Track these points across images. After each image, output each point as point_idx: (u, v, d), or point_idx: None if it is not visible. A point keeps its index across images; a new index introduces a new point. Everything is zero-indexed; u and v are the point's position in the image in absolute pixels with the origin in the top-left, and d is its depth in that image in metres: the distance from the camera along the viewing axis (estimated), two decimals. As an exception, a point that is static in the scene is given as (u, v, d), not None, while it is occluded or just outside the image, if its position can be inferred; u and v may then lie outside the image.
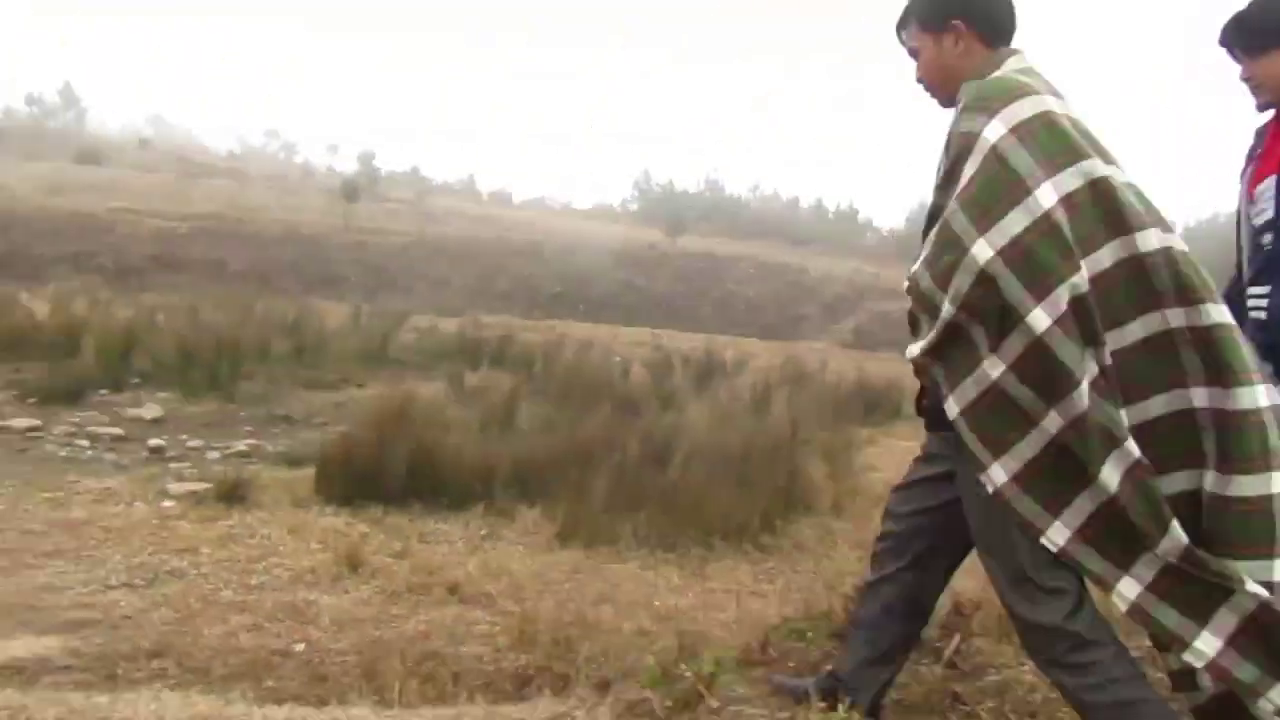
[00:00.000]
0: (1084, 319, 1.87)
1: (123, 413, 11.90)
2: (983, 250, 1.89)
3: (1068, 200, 1.91)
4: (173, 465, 9.38)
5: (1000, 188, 1.91)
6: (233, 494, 7.88)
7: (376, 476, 7.95)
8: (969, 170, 1.96)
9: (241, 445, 10.82)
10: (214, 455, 10.21)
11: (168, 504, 7.75)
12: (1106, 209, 1.93)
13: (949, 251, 1.97)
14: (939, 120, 2.21)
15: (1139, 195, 1.99)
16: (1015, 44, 2.20)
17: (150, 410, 12.01)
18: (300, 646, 4.72)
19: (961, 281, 1.92)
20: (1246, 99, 2.60)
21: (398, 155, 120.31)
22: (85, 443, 9.96)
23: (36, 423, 10.26)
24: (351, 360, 16.17)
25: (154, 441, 10.15)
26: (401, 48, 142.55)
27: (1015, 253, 1.87)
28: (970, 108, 2.02)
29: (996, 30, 2.18)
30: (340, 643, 4.75)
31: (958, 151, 2.01)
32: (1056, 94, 2.04)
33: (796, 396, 13.88)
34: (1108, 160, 1.97)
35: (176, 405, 12.56)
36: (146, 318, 15.79)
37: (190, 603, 5.20)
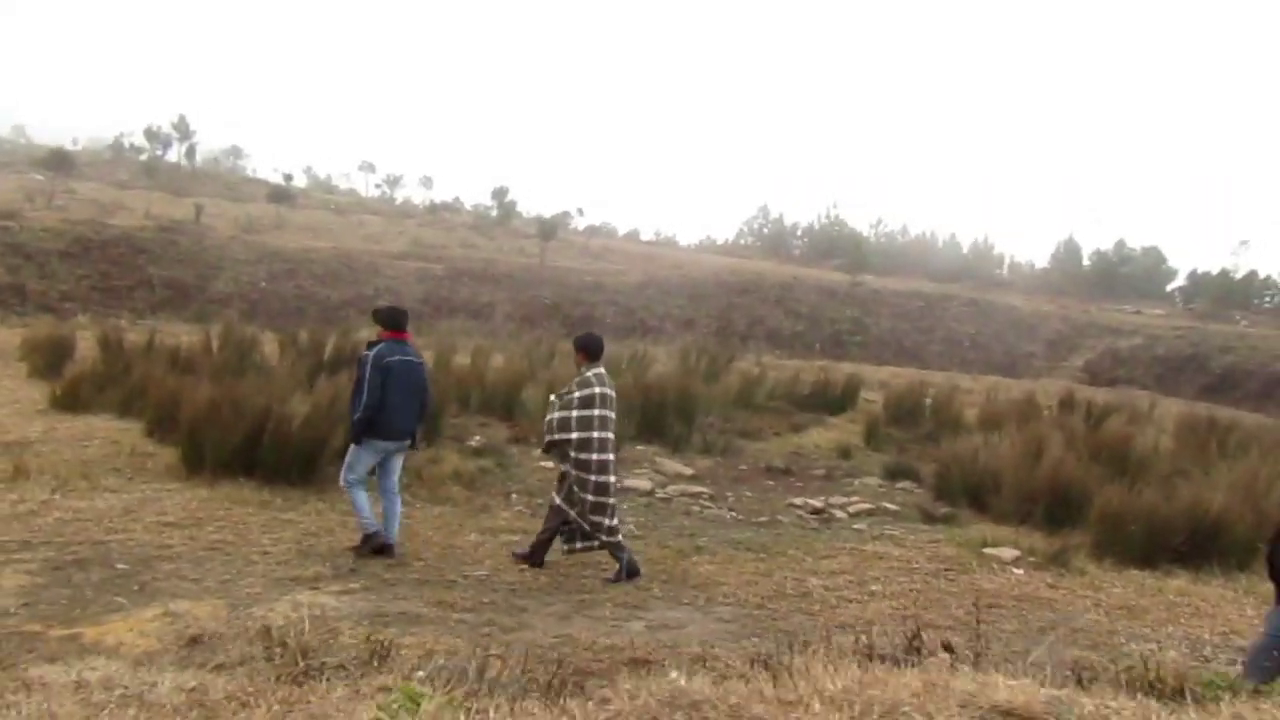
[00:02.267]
0: None
1: (662, 467, 11.77)
2: None
3: None
4: (890, 530, 9.20)
5: None
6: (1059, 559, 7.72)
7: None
8: None
9: (857, 502, 10.65)
10: (843, 516, 10.06)
11: (1018, 571, 7.56)
12: None
13: None
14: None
15: None
16: None
17: (687, 466, 11.88)
18: None
19: None
20: None
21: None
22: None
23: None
24: (731, 406, 16.05)
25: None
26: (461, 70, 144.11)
27: None
28: None
29: None
30: None
31: None
32: None
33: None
34: None
35: (691, 459, 12.45)
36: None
37: None
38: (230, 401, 8.63)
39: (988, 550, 7.94)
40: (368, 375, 6.45)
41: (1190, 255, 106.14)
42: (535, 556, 6.62)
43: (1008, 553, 7.84)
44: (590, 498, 6.50)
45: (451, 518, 7.93)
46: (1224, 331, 29.02)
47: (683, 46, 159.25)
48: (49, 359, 11.99)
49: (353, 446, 6.59)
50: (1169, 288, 42.26)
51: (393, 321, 6.83)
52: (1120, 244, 43.28)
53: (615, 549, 6.61)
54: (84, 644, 4.52)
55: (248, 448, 8.19)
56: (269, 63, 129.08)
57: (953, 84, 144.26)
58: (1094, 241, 67.00)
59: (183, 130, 64.12)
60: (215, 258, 21.80)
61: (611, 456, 6.68)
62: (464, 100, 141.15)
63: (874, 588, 6.81)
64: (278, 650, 3.58)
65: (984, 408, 16.77)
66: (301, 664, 3.39)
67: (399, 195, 68.32)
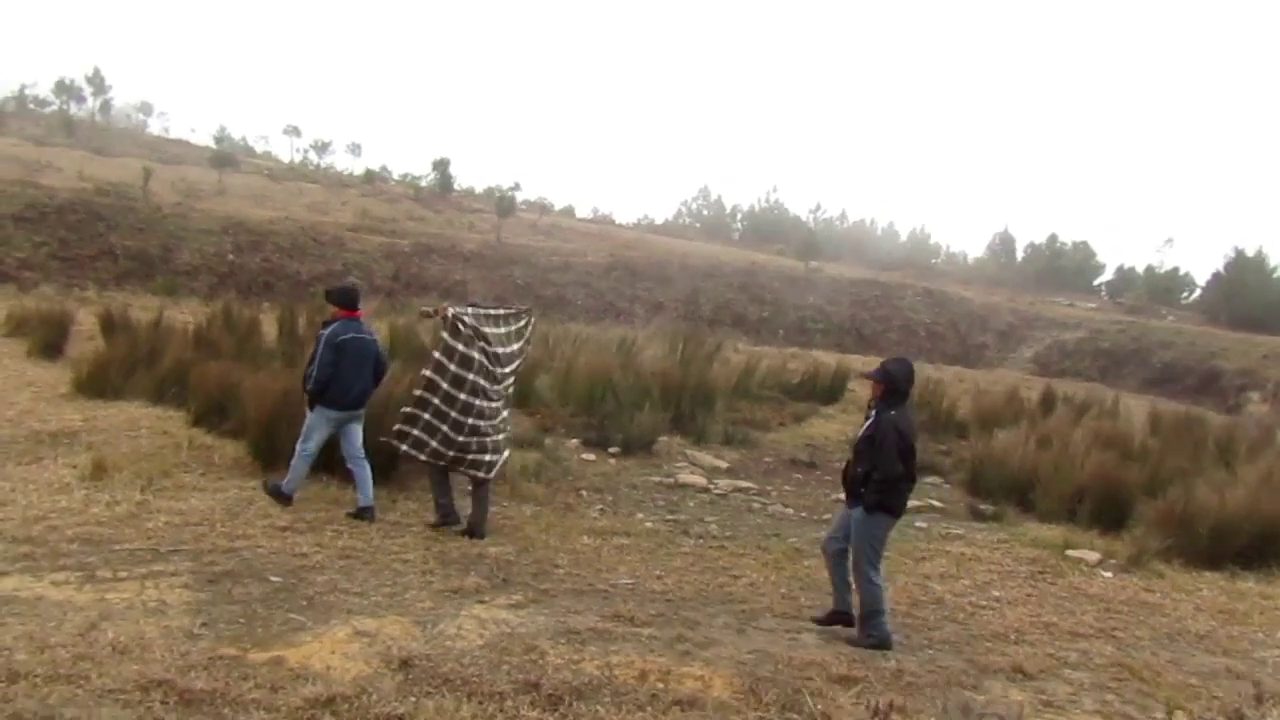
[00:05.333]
0: None
1: (697, 460, 11.74)
2: None
3: None
4: (952, 529, 9.36)
5: None
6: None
7: None
8: None
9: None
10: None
11: (1106, 574, 7.78)
12: None
13: None
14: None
15: None
16: None
17: (718, 459, 11.87)
18: None
19: None
20: None
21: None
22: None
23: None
24: (733, 395, 16.06)
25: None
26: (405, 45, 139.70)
27: None
28: None
29: None
30: None
31: None
32: None
33: None
34: None
35: (718, 451, 12.46)
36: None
37: None
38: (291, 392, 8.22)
39: (1071, 552, 8.16)
40: (320, 352, 6.91)
41: (1117, 251, 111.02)
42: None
43: (1091, 555, 8.08)
44: None
45: (548, 518, 7.73)
46: (1163, 327, 30.46)
47: (619, 22, 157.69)
48: (48, 336, 11.19)
49: (309, 414, 6.98)
50: (1096, 282, 44.26)
51: (347, 300, 7.20)
52: (1053, 238, 45.16)
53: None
54: (292, 669, 4.25)
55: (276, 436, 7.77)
56: (176, 14, 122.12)
57: (890, 75, 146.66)
58: (1028, 235, 68.92)
59: (97, 84, 60.49)
60: (177, 227, 20.69)
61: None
62: (390, 67, 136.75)
63: (995, 593, 6.93)
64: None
65: (975, 401, 17.16)
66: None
67: (324, 162, 65.92)
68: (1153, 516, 8.89)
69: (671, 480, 10.32)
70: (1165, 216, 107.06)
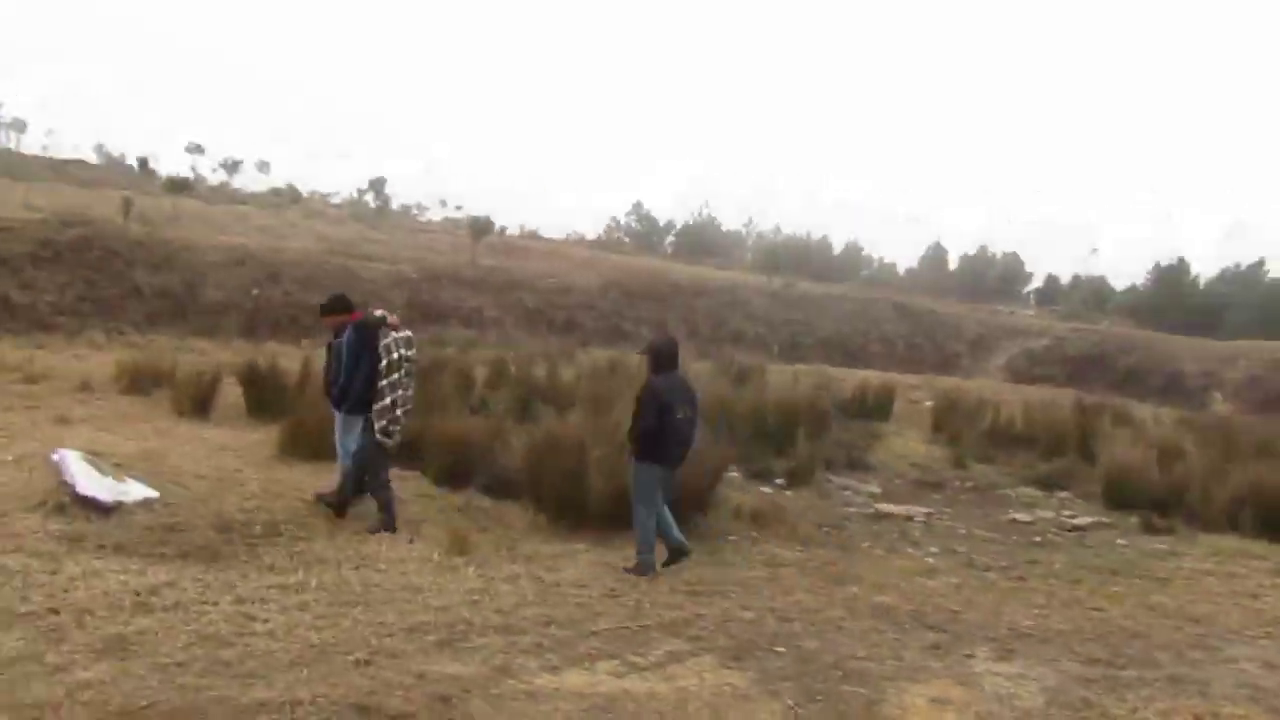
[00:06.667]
0: None
1: (854, 487, 11.98)
2: None
3: None
4: (1156, 545, 9.83)
5: None
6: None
7: None
8: None
9: (1072, 516, 11.25)
10: (1076, 531, 10.66)
11: None
12: None
13: None
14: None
15: None
16: None
17: (864, 484, 12.15)
18: None
19: None
20: None
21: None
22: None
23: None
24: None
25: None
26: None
27: None
28: None
29: None
30: None
31: None
32: None
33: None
34: None
35: (859, 476, 12.74)
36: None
37: None
38: (552, 443, 8.08)
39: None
40: (356, 357, 7.38)
41: (1042, 261, 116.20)
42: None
43: (1325, 565, 8.71)
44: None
45: (860, 564, 7.81)
46: (1121, 334, 32.60)
47: (538, 28, 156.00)
48: (198, 394, 10.54)
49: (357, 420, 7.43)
50: (1025, 290, 46.94)
51: (348, 307, 7.78)
52: (983, 249, 47.67)
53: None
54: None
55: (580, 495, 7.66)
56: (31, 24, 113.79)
57: (819, 82, 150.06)
58: (959, 246, 71.63)
59: (-12, 103, 56.41)
60: (192, 261, 19.60)
61: None
62: (271, 76, 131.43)
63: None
64: None
65: (1024, 412, 17.93)
66: None
67: (235, 182, 63.16)
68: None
69: (871, 510, 10.54)
70: (1090, 226, 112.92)
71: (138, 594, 5.32)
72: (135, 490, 7.27)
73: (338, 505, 7.36)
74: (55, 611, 4.98)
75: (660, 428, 6.47)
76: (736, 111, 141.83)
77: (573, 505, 7.64)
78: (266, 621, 5.08)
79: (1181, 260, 38.35)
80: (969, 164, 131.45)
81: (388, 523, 7.17)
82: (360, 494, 7.40)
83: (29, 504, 6.80)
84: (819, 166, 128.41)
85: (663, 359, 6.76)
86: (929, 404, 22.22)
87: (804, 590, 6.62)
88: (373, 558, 6.42)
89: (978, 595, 7.07)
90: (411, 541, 6.89)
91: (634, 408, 6.65)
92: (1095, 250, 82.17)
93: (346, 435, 7.56)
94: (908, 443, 16.06)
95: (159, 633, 4.83)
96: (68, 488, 6.94)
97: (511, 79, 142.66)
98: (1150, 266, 38.79)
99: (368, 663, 4.63)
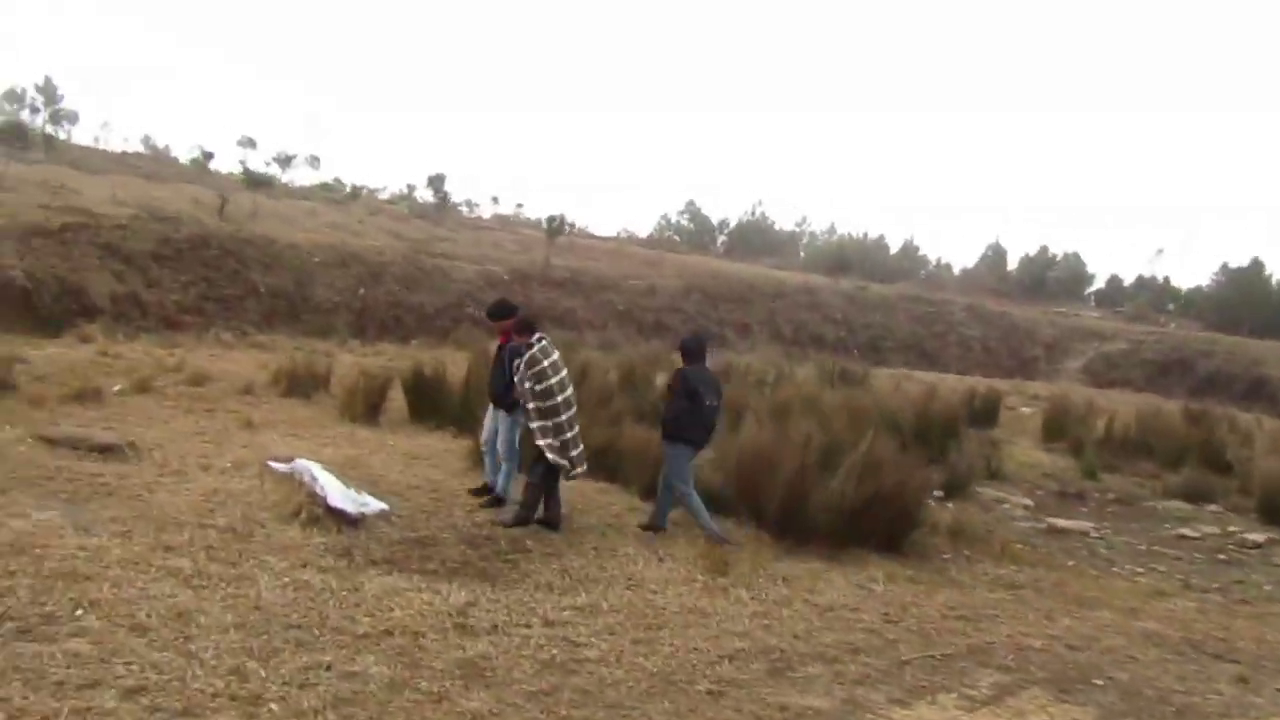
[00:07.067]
0: None
1: (1005, 499, 11.86)
2: None
3: None
4: None
5: None
6: None
7: None
8: None
9: (1242, 532, 11.11)
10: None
11: None
12: None
13: None
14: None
15: None
16: None
17: (1013, 495, 12.03)
18: None
19: None
20: None
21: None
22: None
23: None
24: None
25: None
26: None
27: None
28: None
29: None
30: None
31: None
32: None
33: None
34: None
35: (1005, 488, 12.60)
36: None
37: None
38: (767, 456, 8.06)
39: None
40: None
41: (1105, 261, 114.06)
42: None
43: None
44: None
45: (1087, 585, 7.74)
46: (1198, 337, 32.15)
47: (595, 32, 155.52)
48: (369, 400, 10.63)
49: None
50: (1086, 292, 46.41)
51: (514, 312, 8.05)
52: (1044, 249, 47.19)
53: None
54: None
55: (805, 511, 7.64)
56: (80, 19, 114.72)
57: (874, 84, 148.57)
58: (1020, 246, 70.38)
59: (49, 94, 57.11)
60: (299, 261, 19.79)
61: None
62: (332, 73, 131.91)
63: None
64: None
65: (1139, 421, 17.68)
66: None
67: (287, 176, 63.65)
68: None
69: (1044, 525, 10.45)
70: (1157, 228, 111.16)
71: (450, 615, 5.35)
72: (372, 503, 7.34)
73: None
74: (389, 633, 5.02)
75: (691, 410, 7.43)
76: (743, 113, 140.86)
77: (795, 521, 7.61)
78: (590, 647, 5.10)
79: (1256, 260, 37.80)
80: (1023, 166, 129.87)
81: (522, 516, 7.35)
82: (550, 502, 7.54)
83: (281, 515, 6.88)
84: (858, 167, 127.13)
85: (692, 353, 7.77)
86: (1025, 410, 22.01)
87: (1063, 615, 6.57)
88: (639, 577, 6.44)
89: (1225, 620, 6.99)
90: (662, 560, 6.90)
91: (665, 394, 7.72)
92: (1161, 251, 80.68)
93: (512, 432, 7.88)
94: (1027, 451, 15.93)
95: (498, 657, 4.86)
96: (319, 499, 7.01)
97: (511, 79, 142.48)
98: (1217, 267, 38.22)
99: (720, 694, 4.64)
